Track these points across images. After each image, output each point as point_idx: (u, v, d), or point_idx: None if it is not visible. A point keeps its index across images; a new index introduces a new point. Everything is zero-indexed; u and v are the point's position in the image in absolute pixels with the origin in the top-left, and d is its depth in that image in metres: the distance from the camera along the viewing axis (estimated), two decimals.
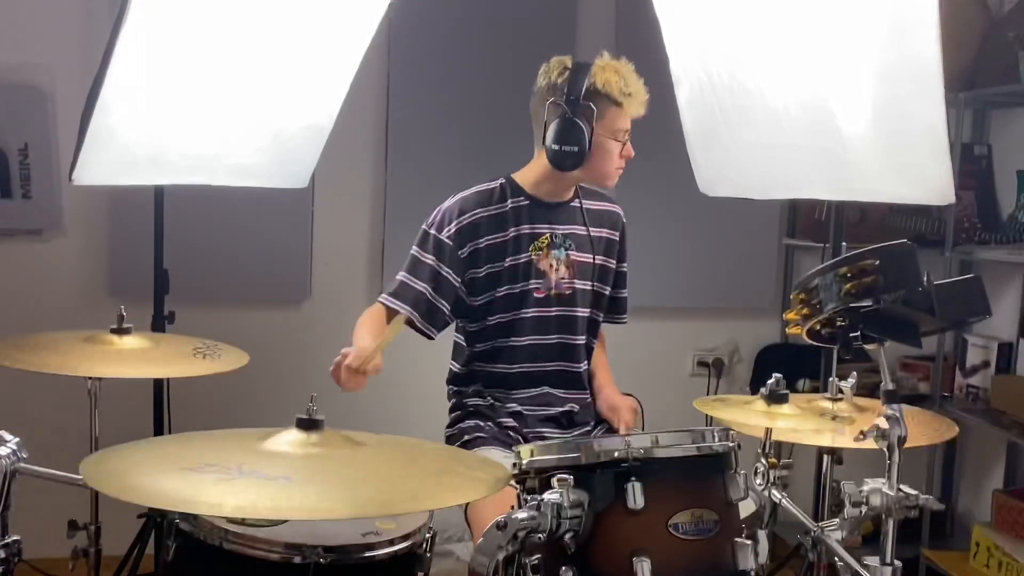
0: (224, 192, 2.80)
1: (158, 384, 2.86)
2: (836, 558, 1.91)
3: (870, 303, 1.72)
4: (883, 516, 1.75)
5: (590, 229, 2.57)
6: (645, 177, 3.61)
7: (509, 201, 2.51)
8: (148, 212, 2.84)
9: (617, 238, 2.64)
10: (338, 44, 2.67)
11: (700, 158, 2.69)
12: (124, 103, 2.33)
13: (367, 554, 1.81)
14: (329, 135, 2.88)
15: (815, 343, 1.91)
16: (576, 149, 2.40)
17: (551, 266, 2.53)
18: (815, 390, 2.82)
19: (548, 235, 2.53)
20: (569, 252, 2.55)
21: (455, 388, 2.63)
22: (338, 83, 2.76)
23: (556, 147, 2.40)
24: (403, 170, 3.56)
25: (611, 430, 2.58)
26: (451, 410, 2.63)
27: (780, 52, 2.33)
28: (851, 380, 2.25)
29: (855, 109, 2.22)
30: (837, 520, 1.93)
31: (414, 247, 2.51)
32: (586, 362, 2.62)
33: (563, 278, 2.54)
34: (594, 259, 2.56)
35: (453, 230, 2.47)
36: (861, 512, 1.82)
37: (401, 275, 2.50)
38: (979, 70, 3.53)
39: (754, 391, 2.16)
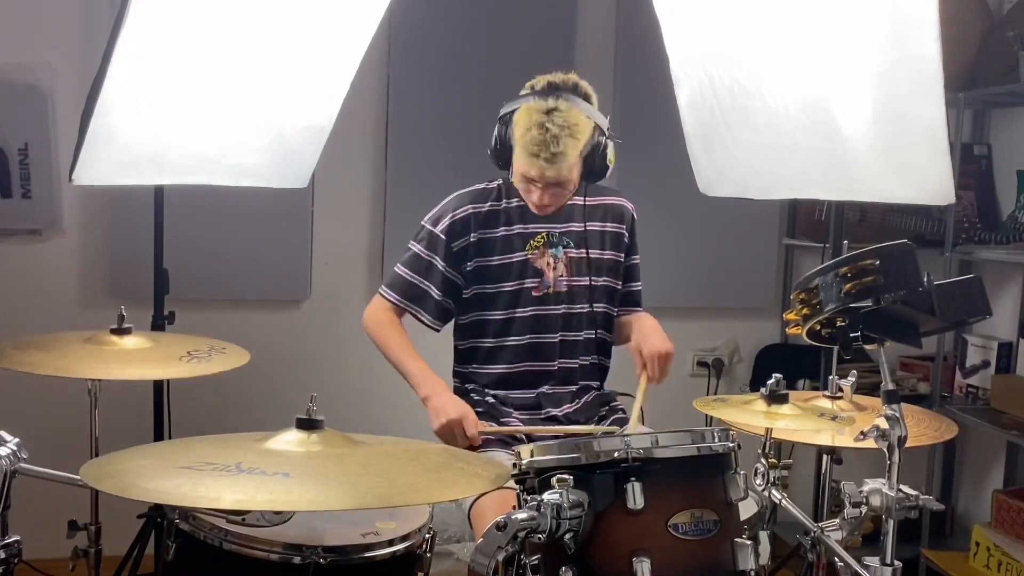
0: (224, 192, 2.80)
1: (158, 384, 2.86)
2: (836, 558, 1.91)
3: (870, 303, 1.72)
4: (883, 516, 1.75)
5: (591, 224, 2.58)
6: (645, 177, 3.62)
7: (503, 201, 2.55)
8: (148, 212, 2.84)
9: (624, 231, 2.64)
10: (338, 44, 2.67)
11: (700, 158, 2.69)
12: (124, 103, 2.33)
13: (367, 554, 1.81)
14: (329, 135, 2.88)
15: (815, 343, 1.91)
16: (493, 159, 2.46)
17: (548, 264, 2.55)
18: (815, 390, 2.82)
19: (544, 233, 2.55)
20: (567, 250, 2.56)
21: (458, 385, 2.64)
22: (338, 83, 2.76)
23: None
24: (403, 170, 3.57)
25: (614, 412, 2.59)
26: None
27: (780, 53, 2.33)
28: (851, 380, 2.25)
29: (855, 109, 2.22)
30: (837, 520, 1.93)
31: (411, 240, 2.58)
32: (594, 357, 2.63)
33: (561, 276, 2.55)
34: (587, 254, 2.56)
35: (446, 224, 2.53)
36: (861, 512, 1.82)
37: (396, 267, 2.59)
38: (979, 70, 3.53)
39: (754, 391, 2.16)
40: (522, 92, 2.42)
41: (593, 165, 2.43)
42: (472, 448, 2.36)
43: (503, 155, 2.45)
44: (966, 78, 3.50)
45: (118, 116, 2.34)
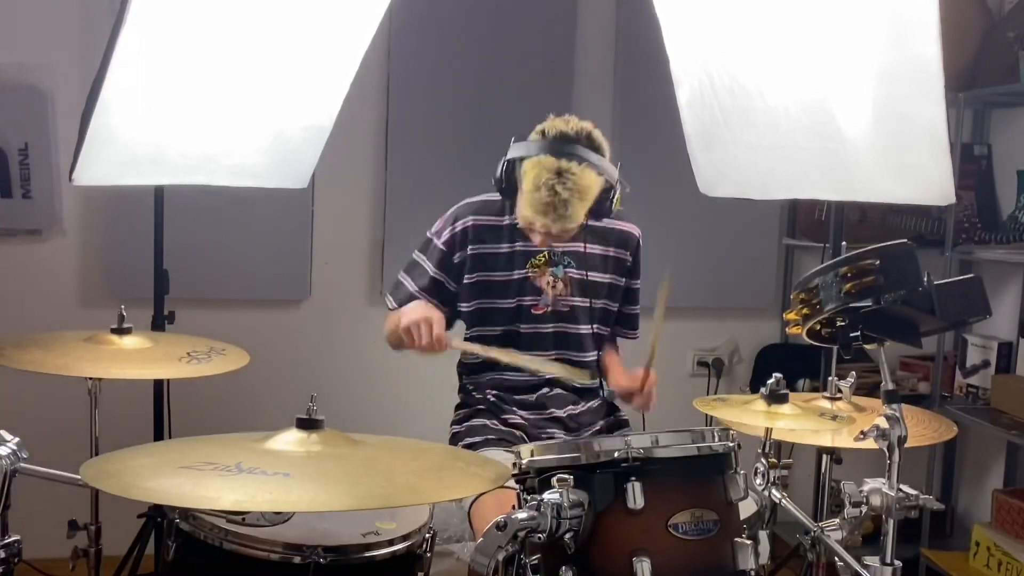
0: (224, 192, 2.80)
1: (158, 384, 2.86)
2: (836, 558, 1.91)
3: (870, 303, 1.72)
4: (883, 516, 1.75)
5: (593, 247, 2.55)
6: (645, 178, 3.61)
7: (507, 217, 2.53)
8: (148, 212, 2.84)
9: (627, 256, 2.62)
10: (338, 44, 2.67)
11: (700, 158, 2.69)
12: (124, 103, 2.33)
13: (367, 554, 1.81)
14: (329, 135, 2.88)
15: (815, 343, 1.91)
16: (496, 189, 2.42)
17: (548, 283, 2.53)
18: (815, 390, 2.82)
19: (546, 252, 2.53)
20: (568, 270, 2.55)
21: (461, 383, 2.66)
22: (338, 83, 2.76)
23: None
24: (403, 170, 3.56)
25: (619, 424, 2.59)
26: (458, 406, 2.64)
27: (780, 53, 2.33)
28: (850, 379, 2.25)
29: (855, 110, 2.22)
30: (837, 520, 1.93)
31: (415, 250, 2.57)
32: (596, 378, 2.63)
33: (560, 295, 2.54)
34: (586, 275, 2.54)
35: (447, 236, 2.53)
36: (861, 512, 1.82)
37: (400, 274, 2.59)
38: (979, 70, 3.53)
39: (754, 391, 2.16)
40: (532, 136, 2.37)
41: (600, 210, 2.40)
42: (436, 351, 2.36)
43: (508, 192, 2.41)
44: (966, 78, 3.50)
45: (118, 116, 2.34)
